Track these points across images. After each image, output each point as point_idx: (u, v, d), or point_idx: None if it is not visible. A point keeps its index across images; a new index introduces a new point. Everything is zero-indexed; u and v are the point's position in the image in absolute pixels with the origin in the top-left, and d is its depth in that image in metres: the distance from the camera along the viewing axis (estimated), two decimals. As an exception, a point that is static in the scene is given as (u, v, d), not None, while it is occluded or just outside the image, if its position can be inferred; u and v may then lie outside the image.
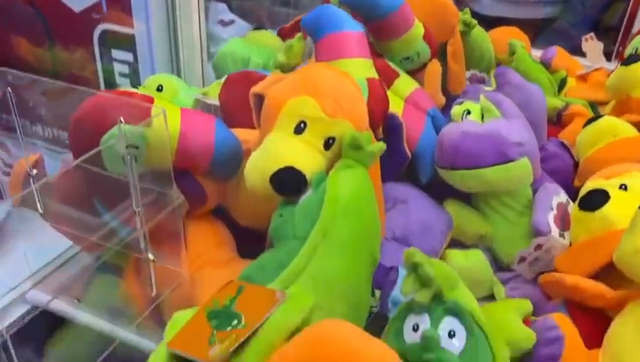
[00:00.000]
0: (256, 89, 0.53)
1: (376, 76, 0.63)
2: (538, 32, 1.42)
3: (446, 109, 0.80)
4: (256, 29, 0.97)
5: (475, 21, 0.86)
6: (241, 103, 0.61)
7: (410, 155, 0.65)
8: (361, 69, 0.62)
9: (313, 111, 0.50)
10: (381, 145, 0.50)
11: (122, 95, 0.55)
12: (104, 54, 0.85)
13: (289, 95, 0.51)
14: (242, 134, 0.60)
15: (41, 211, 0.56)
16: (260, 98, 0.54)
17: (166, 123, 0.49)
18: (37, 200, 0.55)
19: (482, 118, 0.64)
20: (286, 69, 0.89)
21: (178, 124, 0.54)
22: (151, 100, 0.52)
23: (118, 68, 0.87)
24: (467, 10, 0.87)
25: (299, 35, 0.91)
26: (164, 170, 0.50)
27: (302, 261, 0.45)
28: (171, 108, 0.55)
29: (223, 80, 0.84)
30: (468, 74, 0.93)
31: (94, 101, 0.52)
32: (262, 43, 0.93)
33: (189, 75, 0.87)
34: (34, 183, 0.54)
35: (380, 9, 0.73)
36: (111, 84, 0.88)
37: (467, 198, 0.67)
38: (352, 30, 0.63)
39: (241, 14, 1.42)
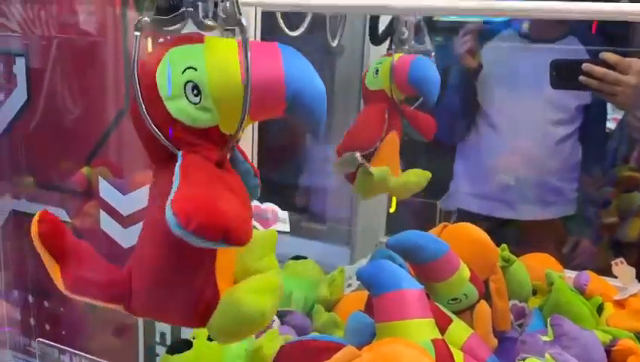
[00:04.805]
0: (329, 365, 0.52)
1: (440, 336, 0.63)
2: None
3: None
4: (293, 258, 0.99)
5: (514, 257, 0.88)
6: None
7: (478, 420, 0.61)
8: (424, 330, 0.61)
9: (395, 399, 0.48)
10: None
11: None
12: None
13: (367, 378, 0.49)
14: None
15: None
16: (332, 374, 0.52)
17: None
18: None
19: (550, 378, 0.62)
20: (328, 303, 0.89)
21: (236, 57, 0.43)
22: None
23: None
24: (505, 246, 0.89)
25: (340, 267, 0.93)
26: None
27: None
28: (226, 41, 0.45)
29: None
30: (509, 304, 0.92)
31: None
32: (301, 274, 0.94)
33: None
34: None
35: (426, 254, 0.75)
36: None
37: None
38: (412, 288, 0.64)
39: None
